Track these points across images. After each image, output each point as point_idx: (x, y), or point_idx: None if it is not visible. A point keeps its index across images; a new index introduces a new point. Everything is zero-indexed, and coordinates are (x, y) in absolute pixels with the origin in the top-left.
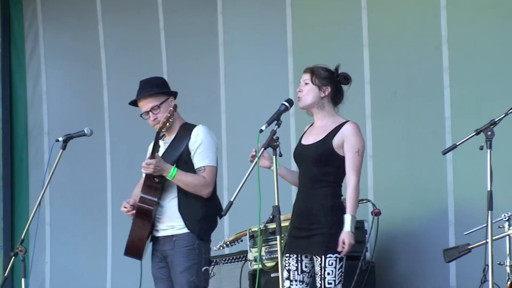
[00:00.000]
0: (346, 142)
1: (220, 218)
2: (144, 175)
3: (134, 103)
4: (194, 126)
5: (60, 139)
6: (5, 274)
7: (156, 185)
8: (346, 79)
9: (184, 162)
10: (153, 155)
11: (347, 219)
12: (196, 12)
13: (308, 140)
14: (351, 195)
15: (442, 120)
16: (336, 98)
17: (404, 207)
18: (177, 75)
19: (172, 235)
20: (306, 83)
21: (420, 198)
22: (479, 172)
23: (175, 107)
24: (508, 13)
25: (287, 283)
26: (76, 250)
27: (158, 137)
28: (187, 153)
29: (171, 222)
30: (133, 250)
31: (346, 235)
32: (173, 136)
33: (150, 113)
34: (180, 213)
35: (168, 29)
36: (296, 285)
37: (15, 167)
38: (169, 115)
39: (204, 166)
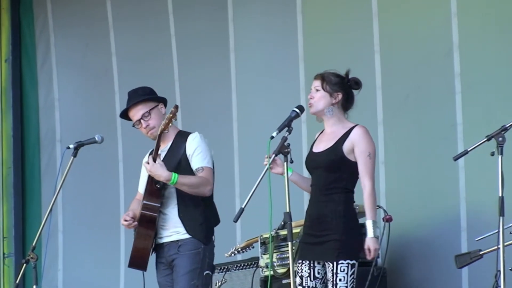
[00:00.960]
0: (356, 147)
1: (218, 224)
2: (143, 185)
3: (125, 117)
4: (189, 133)
5: (71, 146)
6: (17, 281)
7: (157, 191)
8: (357, 83)
9: (184, 168)
10: (154, 158)
11: (369, 224)
12: (207, 19)
13: (318, 147)
14: (368, 200)
15: (453, 126)
16: (346, 104)
17: (415, 213)
18: (188, 82)
19: (177, 240)
20: (317, 90)
21: (432, 204)
22: (490, 178)
23: (176, 107)
24: None
25: None
26: (89, 258)
27: (160, 139)
28: (185, 159)
29: (175, 228)
30: (138, 260)
31: (370, 242)
32: (169, 144)
33: (142, 120)
34: (180, 219)
35: (179, 36)
36: None
37: (27, 174)
38: (171, 115)
39: (202, 167)
